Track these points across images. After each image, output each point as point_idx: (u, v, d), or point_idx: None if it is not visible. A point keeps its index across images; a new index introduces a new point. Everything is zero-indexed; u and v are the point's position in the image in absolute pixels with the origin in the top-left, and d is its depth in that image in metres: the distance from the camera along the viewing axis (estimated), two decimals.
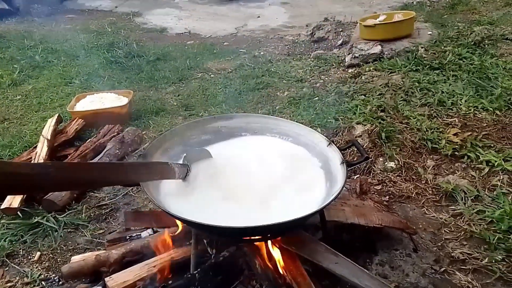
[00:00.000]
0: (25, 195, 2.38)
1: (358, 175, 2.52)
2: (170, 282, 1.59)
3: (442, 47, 3.97)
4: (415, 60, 3.77)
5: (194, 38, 5.70)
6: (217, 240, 1.76)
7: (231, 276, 1.68)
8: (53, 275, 2.00)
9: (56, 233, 2.24)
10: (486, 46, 3.95)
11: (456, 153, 2.60)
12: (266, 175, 1.70)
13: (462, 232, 2.07)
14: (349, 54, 4.19)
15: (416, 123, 2.88)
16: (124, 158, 2.86)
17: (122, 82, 4.14)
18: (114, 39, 5.33)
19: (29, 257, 2.12)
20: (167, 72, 4.35)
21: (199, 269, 1.61)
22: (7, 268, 2.06)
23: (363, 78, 3.72)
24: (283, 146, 1.88)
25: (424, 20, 4.99)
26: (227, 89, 3.89)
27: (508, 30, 4.30)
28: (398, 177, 2.49)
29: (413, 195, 2.36)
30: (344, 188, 1.67)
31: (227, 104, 3.56)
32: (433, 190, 2.38)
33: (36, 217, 2.33)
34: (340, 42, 4.88)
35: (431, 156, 2.63)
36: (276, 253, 1.65)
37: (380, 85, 3.45)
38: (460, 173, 2.47)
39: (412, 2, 6.10)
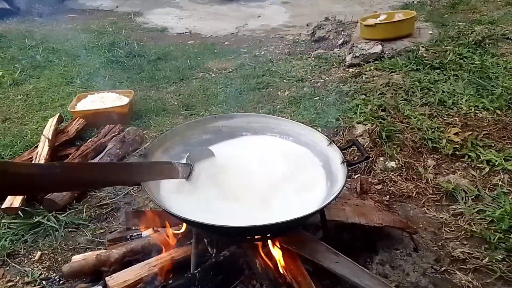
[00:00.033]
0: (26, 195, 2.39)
1: (358, 175, 2.52)
2: (170, 281, 1.59)
3: (443, 47, 3.97)
4: (416, 59, 3.76)
5: (194, 38, 5.70)
6: (218, 240, 1.76)
7: (231, 276, 1.69)
8: (54, 275, 2.00)
9: (57, 232, 2.24)
10: (487, 45, 3.94)
11: (457, 152, 2.60)
12: (266, 174, 1.71)
13: (463, 232, 2.07)
14: (349, 53, 4.18)
15: (416, 122, 2.88)
16: (125, 158, 2.86)
17: (123, 82, 4.14)
18: (115, 39, 5.33)
19: (30, 256, 2.13)
20: (168, 72, 4.35)
21: (199, 269, 1.62)
22: (8, 268, 2.06)
23: (363, 77, 3.72)
24: (284, 145, 1.88)
25: (425, 19, 4.98)
26: (227, 89, 3.89)
27: (508, 29, 4.30)
28: (398, 177, 2.49)
29: (414, 195, 2.36)
30: (345, 187, 1.68)
31: (227, 104, 3.56)
32: (434, 189, 2.38)
33: (37, 217, 2.33)
34: (340, 41, 4.88)
35: (431, 156, 2.63)
36: (276, 252, 1.65)
37: (380, 85, 3.45)
38: (461, 173, 2.47)
39: (413, 2, 6.09)
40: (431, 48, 3.97)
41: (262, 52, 4.89)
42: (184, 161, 1.70)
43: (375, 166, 2.58)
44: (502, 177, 2.37)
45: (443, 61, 3.68)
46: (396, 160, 2.59)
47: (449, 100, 3.11)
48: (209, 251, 1.76)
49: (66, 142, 3.00)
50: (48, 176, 1.08)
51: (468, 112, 2.97)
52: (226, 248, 1.70)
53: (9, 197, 2.38)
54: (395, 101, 3.16)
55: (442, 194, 2.34)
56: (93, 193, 2.55)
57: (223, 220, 1.40)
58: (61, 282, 1.95)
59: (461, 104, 3.06)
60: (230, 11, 7.02)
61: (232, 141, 1.92)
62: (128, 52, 4.81)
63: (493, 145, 2.63)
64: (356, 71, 3.92)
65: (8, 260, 2.10)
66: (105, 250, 1.95)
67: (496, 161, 2.47)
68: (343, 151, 1.70)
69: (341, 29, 5.17)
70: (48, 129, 2.93)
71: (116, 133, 3.02)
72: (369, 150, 2.65)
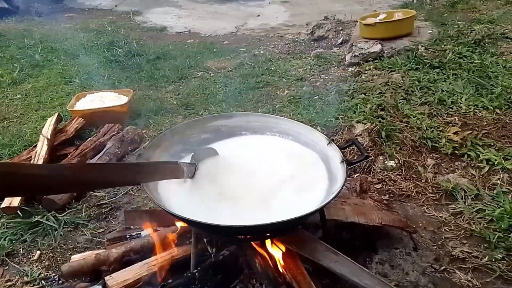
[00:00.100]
0: None
1: (358, 174, 2.52)
2: (170, 281, 1.58)
3: (442, 46, 3.97)
4: (415, 58, 3.76)
5: (194, 37, 5.70)
6: (217, 239, 1.76)
7: (231, 275, 1.68)
8: (53, 274, 1.99)
9: (56, 232, 2.24)
10: (486, 44, 3.94)
11: (456, 151, 2.60)
12: (266, 174, 1.70)
13: (462, 231, 2.07)
14: (349, 52, 4.18)
15: (416, 121, 2.88)
16: (124, 157, 2.86)
17: (122, 81, 4.13)
18: (114, 38, 5.32)
19: (29, 256, 2.12)
20: (167, 71, 4.35)
21: (199, 268, 1.61)
22: (7, 267, 2.06)
23: (363, 76, 3.72)
24: (283, 145, 1.88)
25: (424, 18, 4.98)
26: (227, 88, 3.89)
27: (508, 28, 4.29)
28: (398, 176, 2.49)
29: (413, 194, 2.36)
30: (344, 187, 1.67)
31: (227, 103, 3.56)
32: (433, 188, 2.38)
33: (36, 216, 2.33)
34: (340, 40, 4.88)
35: (431, 155, 2.63)
36: (276, 252, 1.65)
37: (380, 84, 3.45)
38: (460, 172, 2.47)
39: (412, 1, 6.09)
40: (430, 47, 3.97)
41: (262, 51, 4.88)
42: (185, 160, 1.69)
43: (374, 165, 2.58)
44: (501, 176, 2.37)
45: (443, 60, 3.68)
46: (396, 159, 2.59)
47: (448, 99, 3.11)
48: (208, 251, 1.76)
49: (65, 141, 3.00)
50: (57, 177, 1.09)
51: (467, 111, 2.97)
52: (225, 247, 1.70)
53: None
54: (395, 100, 3.16)
55: (441, 193, 2.34)
56: (92, 192, 2.55)
57: (222, 220, 1.40)
58: (60, 281, 1.94)
59: (460, 103, 3.06)
60: (230, 10, 7.01)
61: (232, 141, 1.92)
62: (127, 51, 4.80)
63: (492, 144, 2.63)
64: (355, 70, 3.93)
65: (7, 259, 2.10)
66: (105, 250, 1.94)
67: (496, 160, 2.47)
68: (342, 150, 1.70)
69: (341, 28, 5.16)
70: (47, 129, 2.93)
71: (115, 133, 3.02)
72: (369, 149, 2.65)
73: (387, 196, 2.36)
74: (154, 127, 3.30)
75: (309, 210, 1.42)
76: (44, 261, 2.08)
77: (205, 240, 1.78)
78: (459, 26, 4.49)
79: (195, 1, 7.60)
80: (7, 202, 2.36)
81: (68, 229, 2.28)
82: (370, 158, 2.57)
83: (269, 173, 1.70)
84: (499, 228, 2.04)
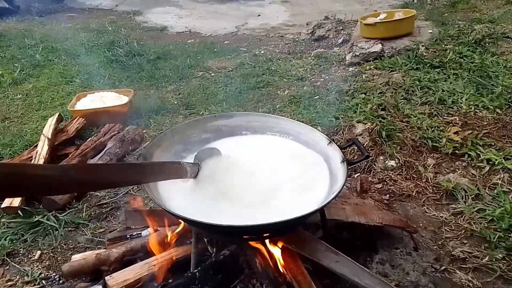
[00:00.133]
0: None
1: (358, 174, 2.52)
2: (170, 280, 1.58)
3: (443, 46, 3.97)
4: (416, 58, 3.76)
5: (194, 37, 5.70)
6: (218, 239, 1.76)
7: (231, 275, 1.69)
8: (54, 274, 2.00)
9: (57, 232, 2.24)
10: (487, 44, 3.94)
11: (457, 151, 2.60)
12: (266, 174, 1.70)
13: (463, 231, 2.07)
14: (349, 52, 4.18)
15: (416, 121, 2.88)
16: (125, 157, 2.86)
17: (123, 81, 4.14)
18: (115, 38, 5.33)
19: (30, 256, 2.13)
20: (167, 71, 4.35)
21: (199, 268, 1.61)
22: (8, 267, 2.06)
23: (363, 76, 3.72)
24: (284, 144, 1.88)
25: (425, 18, 4.98)
26: (227, 88, 3.89)
27: (509, 28, 4.29)
28: (398, 176, 2.49)
29: (414, 194, 2.36)
30: (345, 186, 1.67)
31: (227, 103, 3.56)
32: (434, 188, 2.38)
33: (36, 216, 2.33)
34: (340, 40, 4.88)
35: (431, 155, 2.63)
36: (276, 251, 1.65)
37: (380, 84, 3.45)
38: (461, 172, 2.47)
39: (413, 1, 6.09)
40: (431, 47, 3.97)
41: (262, 51, 4.88)
42: (186, 160, 1.69)
43: (375, 165, 2.57)
44: (502, 176, 2.37)
45: (443, 60, 3.68)
46: (396, 159, 2.59)
47: (449, 99, 3.11)
48: (209, 250, 1.76)
49: (66, 141, 3.00)
50: (62, 177, 1.09)
51: (468, 111, 2.97)
52: (226, 247, 1.70)
53: None
54: (395, 100, 3.16)
55: (442, 193, 2.34)
56: (93, 192, 2.55)
57: (223, 220, 1.40)
58: (61, 281, 1.95)
59: (461, 103, 3.06)
60: (230, 10, 7.01)
61: (232, 140, 1.92)
62: (128, 51, 4.80)
63: (493, 144, 2.63)
64: (356, 70, 3.92)
65: (8, 259, 2.10)
66: (105, 250, 1.95)
67: (496, 160, 2.47)
68: (343, 150, 1.70)
69: (341, 28, 5.16)
70: (48, 128, 2.93)
71: (116, 132, 3.02)
72: (369, 149, 2.65)
73: (388, 196, 2.36)
74: (155, 127, 3.30)
75: (309, 210, 1.42)
76: (44, 261, 2.09)
77: (205, 240, 1.78)
78: (459, 26, 4.49)
79: (195, 1, 7.60)
80: (7, 202, 2.36)
81: (69, 229, 2.28)
82: (370, 158, 2.57)
83: (269, 173, 1.70)
84: (499, 228, 2.04)
